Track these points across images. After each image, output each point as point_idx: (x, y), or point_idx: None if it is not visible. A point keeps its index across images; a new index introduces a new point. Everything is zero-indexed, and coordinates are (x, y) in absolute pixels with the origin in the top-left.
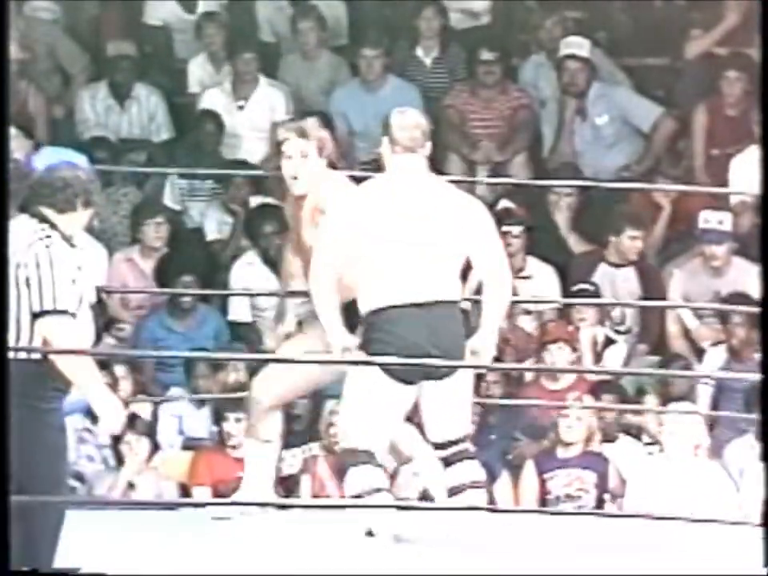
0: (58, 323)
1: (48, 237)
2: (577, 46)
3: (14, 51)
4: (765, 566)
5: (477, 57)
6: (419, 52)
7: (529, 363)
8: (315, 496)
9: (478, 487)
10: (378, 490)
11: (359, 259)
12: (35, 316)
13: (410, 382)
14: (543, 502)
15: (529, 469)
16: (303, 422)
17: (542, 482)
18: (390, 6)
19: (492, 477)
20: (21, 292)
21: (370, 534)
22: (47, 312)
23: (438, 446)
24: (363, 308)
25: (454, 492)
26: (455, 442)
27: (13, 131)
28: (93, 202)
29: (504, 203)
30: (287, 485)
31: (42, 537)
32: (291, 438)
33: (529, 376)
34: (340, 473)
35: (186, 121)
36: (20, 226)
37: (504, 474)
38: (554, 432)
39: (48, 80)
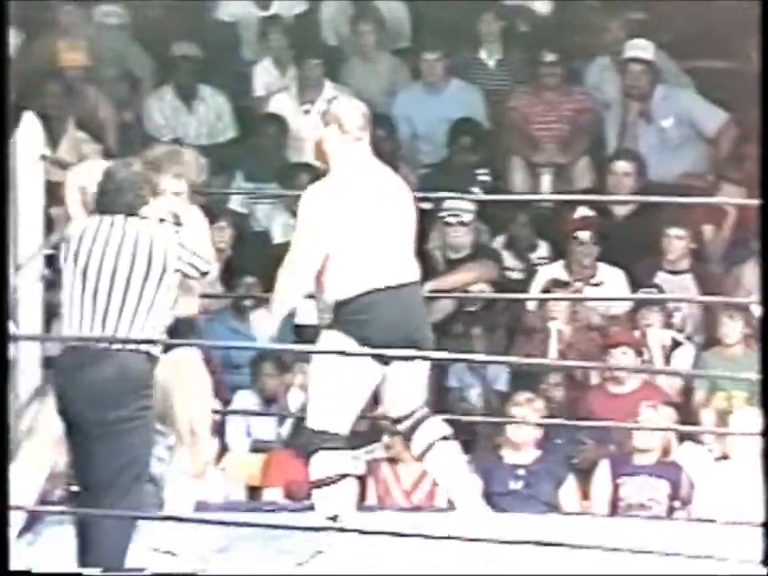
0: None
1: (175, 225)
2: (641, 48)
3: (83, 57)
4: (765, 566)
5: (539, 59)
6: (482, 54)
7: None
8: (380, 500)
9: (445, 439)
10: (345, 476)
11: (332, 254)
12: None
13: (386, 363)
14: (614, 508)
15: (603, 470)
16: (363, 423)
17: (615, 487)
18: (452, 9)
19: (558, 481)
20: (161, 283)
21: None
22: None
23: (396, 421)
24: (339, 295)
25: (424, 453)
26: (412, 413)
27: (83, 136)
28: (157, 187)
29: (582, 211)
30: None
31: (113, 540)
32: (352, 439)
33: (594, 380)
34: (306, 455)
35: (250, 123)
36: (122, 225)
37: (570, 478)
38: (629, 438)
39: (116, 85)
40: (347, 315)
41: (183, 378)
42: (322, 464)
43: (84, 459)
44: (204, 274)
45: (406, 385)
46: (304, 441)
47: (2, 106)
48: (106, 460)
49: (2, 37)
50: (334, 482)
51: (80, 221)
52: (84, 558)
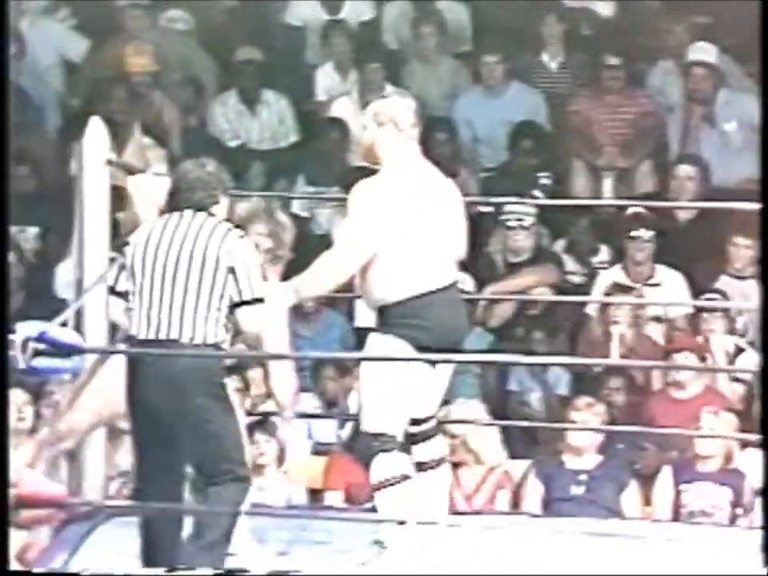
0: (260, 310)
1: (237, 227)
2: (704, 51)
3: (151, 63)
4: (765, 566)
5: (602, 62)
6: (544, 57)
7: (656, 372)
8: None
9: (444, 463)
10: (406, 477)
11: (382, 253)
12: (244, 303)
13: (434, 365)
14: (676, 514)
15: (665, 476)
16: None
17: (677, 494)
18: (514, 12)
19: (620, 486)
20: (217, 279)
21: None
22: (257, 300)
23: (414, 422)
24: (390, 297)
25: (425, 467)
26: (428, 419)
27: (148, 141)
28: (228, 187)
29: (634, 209)
30: None
31: (218, 536)
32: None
33: (656, 384)
34: (365, 459)
35: (311, 127)
36: (189, 219)
37: (632, 484)
38: (689, 446)
39: (182, 90)
40: (399, 318)
41: None
42: (384, 467)
43: (175, 453)
44: (242, 303)
45: (432, 389)
46: (362, 445)
47: (2, 103)
48: (197, 450)
49: (2, 36)
50: (396, 484)
51: (149, 221)
52: (171, 556)
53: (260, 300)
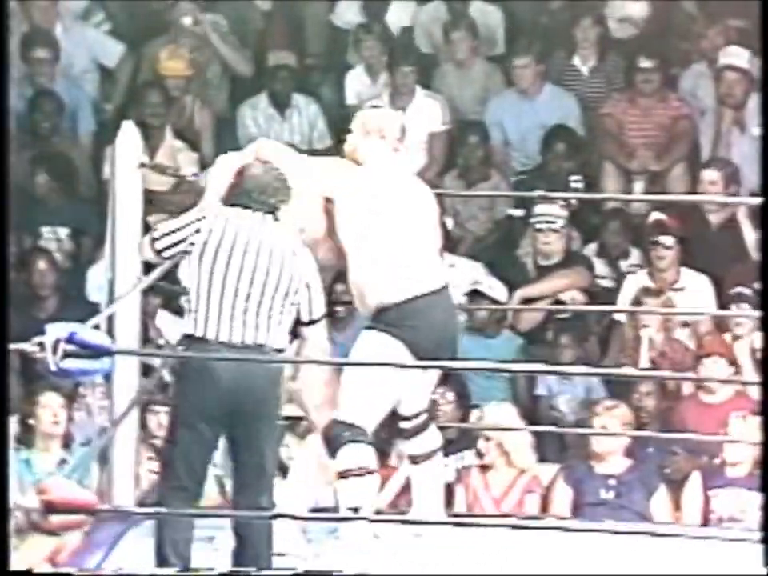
0: (323, 327)
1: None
2: (736, 56)
3: (186, 67)
4: (765, 566)
5: (635, 65)
6: (577, 61)
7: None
8: (469, 508)
9: (439, 451)
10: (369, 472)
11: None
12: (311, 322)
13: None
14: (706, 520)
15: (694, 481)
16: (452, 431)
17: (706, 500)
18: (547, 15)
19: (649, 491)
20: (290, 290)
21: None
22: (322, 317)
23: (404, 418)
24: (388, 299)
25: (420, 459)
26: (417, 415)
27: (180, 144)
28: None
29: (656, 215)
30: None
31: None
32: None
33: (686, 389)
34: (330, 445)
35: (345, 132)
36: (263, 224)
37: (661, 489)
38: (719, 450)
39: (215, 93)
40: (395, 319)
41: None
42: (350, 457)
43: (247, 456)
44: (311, 322)
45: (420, 385)
46: (333, 433)
47: (2, 104)
48: (267, 453)
49: (1, 37)
50: (359, 475)
51: (211, 215)
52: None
53: (326, 315)
